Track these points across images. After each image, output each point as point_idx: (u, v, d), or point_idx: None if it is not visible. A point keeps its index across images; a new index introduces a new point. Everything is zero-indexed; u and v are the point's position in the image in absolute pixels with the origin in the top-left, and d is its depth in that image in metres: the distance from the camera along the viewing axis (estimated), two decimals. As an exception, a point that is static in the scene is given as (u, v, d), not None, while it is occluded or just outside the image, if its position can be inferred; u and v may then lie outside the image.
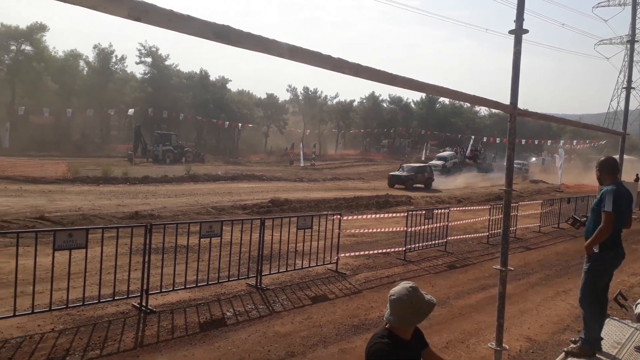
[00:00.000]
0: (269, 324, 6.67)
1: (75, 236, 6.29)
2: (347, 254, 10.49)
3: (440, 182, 35.84)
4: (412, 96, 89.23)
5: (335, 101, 78.32)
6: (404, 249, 11.25)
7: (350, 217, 12.44)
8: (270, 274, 8.74)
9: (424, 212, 12.06)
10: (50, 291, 6.14)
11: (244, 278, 8.33)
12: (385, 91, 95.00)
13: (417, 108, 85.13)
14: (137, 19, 1.36)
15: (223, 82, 68.34)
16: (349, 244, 12.02)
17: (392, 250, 11.43)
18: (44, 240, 7.90)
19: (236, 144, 67.77)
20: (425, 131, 74.09)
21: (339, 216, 10.07)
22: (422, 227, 11.67)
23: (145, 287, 6.83)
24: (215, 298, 7.55)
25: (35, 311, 6.01)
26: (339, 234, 9.80)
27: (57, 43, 58.71)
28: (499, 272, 4.30)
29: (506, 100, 4.10)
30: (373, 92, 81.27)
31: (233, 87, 76.60)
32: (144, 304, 6.82)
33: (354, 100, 79.83)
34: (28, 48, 50.86)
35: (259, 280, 8.34)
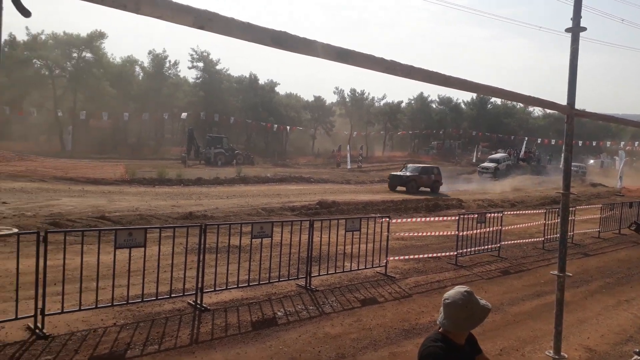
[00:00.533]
0: (319, 325, 6.72)
1: (134, 235, 6.59)
2: (396, 258, 10.40)
3: (496, 185, 34.73)
4: (462, 96, 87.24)
5: (382, 102, 77.79)
6: (456, 253, 11.04)
7: (399, 220, 12.35)
8: (319, 275, 8.81)
9: (476, 215, 11.79)
10: (112, 287, 6.46)
11: (294, 279, 8.44)
12: (434, 91, 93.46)
13: (468, 108, 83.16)
14: (200, 27, 1.43)
15: (271, 85, 69.37)
16: (398, 247, 11.92)
17: (443, 254, 11.24)
18: (105, 239, 8.29)
19: (284, 146, 68.60)
20: (477, 132, 72.20)
21: (387, 219, 10.01)
22: (474, 232, 11.41)
23: (200, 286, 7.05)
24: (266, 298, 7.69)
25: (98, 306, 6.34)
26: (387, 236, 9.74)
27: (115, 49, 61.46)
28: (557, 277, 4.15)
29: (561, 100, 3.96)
30: (421, 93, 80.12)
31: (281, 90, 77.64)
32: (198, 301, 7.04)
33: (401, 101, 78.96)
34: (88, 55, 53.54)
35: (308, 282, 8.43)
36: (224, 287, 7.55)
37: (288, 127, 61.16)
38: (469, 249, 11.29)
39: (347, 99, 76.56)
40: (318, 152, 68.17)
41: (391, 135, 79.98)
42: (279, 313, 7.08)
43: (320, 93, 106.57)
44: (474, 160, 55.36)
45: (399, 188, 28.75)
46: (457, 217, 11.44)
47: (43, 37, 51.75)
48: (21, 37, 53.64)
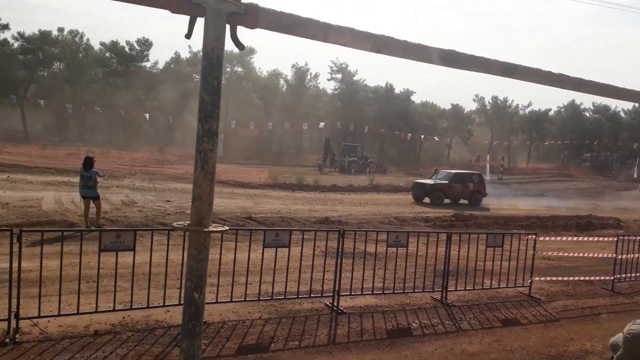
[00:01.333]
0: (455, 341, 6.54)
1: (280, 236, 7.09)
2: (542, 278, 9.66)
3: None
4: (622, 104, 77.90)
5: (527, 110, 72.73)
6: (612, 278, 9.91)
7: (545, 238, 11.43)
8: (456, 290, 8.55)
9: (639, 238, 10.45)
10: (259, 283, 7.01)
11: (429, 291, 8.31)
12: (587, 99, 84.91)
13: (629, 118, 73.94)
14: (377, 51, 1.56)
15: (407, 94, 69.02)
16: (544, 267, 11.07)
17: (597, 278, 10.16)
18: (253, 238, 9.02)
19: (418, 155, 67.65)
20: (638, 145, 63.77)
21: (534, 236, 9.36)
22: (636, 255, 10.13)
23: (337, 289, 7.31)
24: (400, 307, 7.69)
25: (246, 299, 6.92)
26: (533, 255, 9.11)
27: (262, 63, 66.80)
28: None
29: None
30: (573, 100, 73.19)
31: (417, 98, 76.78)
32: (335, 304, 7.31)
33: (549, 109, 73.03)
34: (239, 69, 58.62)
35: (444, 295, 8.24)
36: (359, 293, 7.72)
37: (422, 136, 60.21)
38: (629, 275, 10.05)
39: (488, 107, 72.99)
40: (454, 161, 65.93)
41: (537, 145, 74.13)
42: (414, 324, 7.04)
43: (459, 100, 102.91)
44: (635, 175, 48.88)
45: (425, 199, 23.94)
46: (614, 238, 10.26)
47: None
48: (184, 54, 60.66)
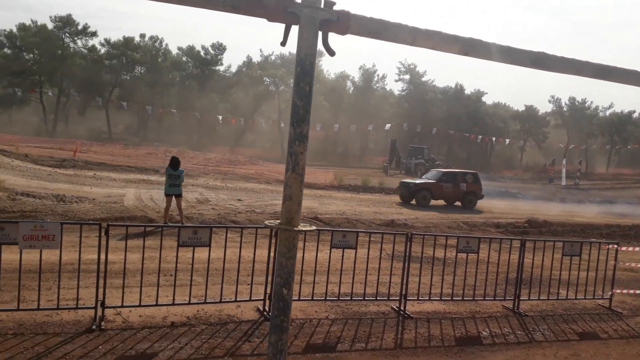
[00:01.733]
0: (528, 352, 6.28)
1: (347, 237, 7.14)
2: (624, 291, 9.06)
3: None
4: None
5: (608, 112, 68.23)
6: None
7: (628, 248, 10.68)
8: (529, 299, 8.20)
9: None
10: (326, 283, 7.10)
11: (500, 299, 8.04)
12: (680, 99, 78.16)
13: None
14: (465, 53, 1.55)
15: (478, 95, 66.96)
16: (626, 279, 10.37)
17: (688, 294, 9.35)
18: (320, 238, 9.14)
19: (488, 158, 65.38)
20: None
21: (615, 246, 8.78)
22: None
23: (404, 292, 7.25)
24: (470, 315, 7.49)
25: (314, 298, 7.03)
26: (614, 265, 8.56)
27: (330, 65, 67.31)
28: None
29: None
30: (662, 101, 67.69)
31: (488, 99, 74.29)
32: (402, 308, 7.25)
33: (633, 111, 68.05)
34: (308, 72, 59.48)
35: (516, 304, 7.94)
36: (427, 298, 7.60)
37: (493, 138, 58.08)
38: None
39: (565, 108, 69.23)
40: (527, 165, 63.10)
41: (618, 149, 69.39)
42: (484, 333, 6.83)
43: (533, 102, 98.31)
44: None
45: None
46: None
47: (272, 57, 59.33)
48: (256, 58, 62.43)
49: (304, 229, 1.96)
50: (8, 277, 6.36)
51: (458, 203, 22.54)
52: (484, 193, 23.14)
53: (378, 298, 7.41)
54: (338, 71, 65.72)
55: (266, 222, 2.09)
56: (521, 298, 8.00)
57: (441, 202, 22.53)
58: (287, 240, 1.95)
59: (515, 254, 8.11)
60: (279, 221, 2.03)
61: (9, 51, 54.21)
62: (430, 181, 22.50)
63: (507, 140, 61.01)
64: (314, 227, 2.07)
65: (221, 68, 62.59)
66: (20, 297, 5.71)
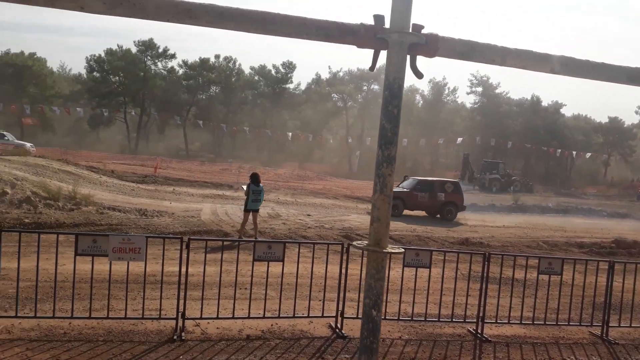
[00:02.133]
0: (621, 385, 5.80)
1: (421, 256, 7.00)
2: None
3: None
4: None
5: None
6: None
7: None
8: (619, 326, 7.60)
9: None
10: (399, 302, 6.97)
11: (586, 325, 7.51)
12: None
13: None
14: (557, 72, 1.50)
15: (556, 107, 63.76)
16: None
17: None
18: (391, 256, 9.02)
19: (569, 173, 61.78)
20: None
21: None
22: None
23: (481, 315, 6.96)
24: (553, 340, 7.06)
25: (386, 317, 6.91)
26: None
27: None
28: None
29: None
30: None
31: (568, 111, 70.45)
32: (479, 331, 6.96)
33: None
34: (376, 87, 59.48)
35: (605, 331, 7.38)
36: (506, 321, 7.25)
37: (574, 152, 54.84)
38: None
39: (655, 120, 64.11)
40: (612, 181, 58.91)
41: None
42: (569, 360, 6.40)
43: (618, 113, 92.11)
44: None
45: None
46: None
47: (341, 74, 60.05)
48: (324, 75, 63.47)
49: (392, 250, 1.95)
50: (97, 286, 6.82)
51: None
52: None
53: (454, 320, 7.17)
54: (407, 85, 65.34)
55: (354, 242, 2.11)
56: (610, 324, 7.43)
57: (420, 212, 21.21)
58: (376, 262, 1.95)
59: (602, 277, 7.57)
60: (367, 242, 2.04)
61: (98, 74, 58.83)
62: (403, 190, 21.01)
63: (589, 154, 57.40)
64: (402, 249, 2.06)
65: (291, 86, 64.28)
66: (109, 306, 6.10)
